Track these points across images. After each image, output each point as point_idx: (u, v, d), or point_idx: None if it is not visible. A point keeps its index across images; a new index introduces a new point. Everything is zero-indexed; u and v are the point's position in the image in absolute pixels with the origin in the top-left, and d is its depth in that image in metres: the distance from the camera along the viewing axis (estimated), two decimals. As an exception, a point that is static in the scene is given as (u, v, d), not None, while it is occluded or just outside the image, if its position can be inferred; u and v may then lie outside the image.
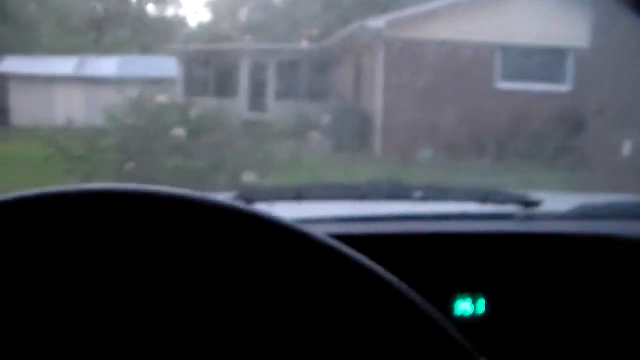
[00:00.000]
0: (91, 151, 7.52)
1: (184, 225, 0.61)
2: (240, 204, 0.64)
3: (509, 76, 12.37)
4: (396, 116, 11.69)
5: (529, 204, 1.25)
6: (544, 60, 12.31)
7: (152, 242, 0.61)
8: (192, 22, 31.88)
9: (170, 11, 24.28)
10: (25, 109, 15.78)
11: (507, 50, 12.34)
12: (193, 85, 14.97)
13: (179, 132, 7.30)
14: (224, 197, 1.19)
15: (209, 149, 7.30)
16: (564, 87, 12.29)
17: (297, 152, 8.56)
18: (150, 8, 24.63)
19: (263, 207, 1.21)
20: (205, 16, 29.83)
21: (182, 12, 31.48)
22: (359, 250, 0.63)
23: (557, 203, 1.36)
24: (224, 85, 15.44)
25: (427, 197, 1.28)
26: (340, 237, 0.64)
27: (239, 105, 14.45)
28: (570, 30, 10.48)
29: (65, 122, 11.21)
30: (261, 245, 0.62)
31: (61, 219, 0.57)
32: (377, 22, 12.47)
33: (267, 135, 8.34)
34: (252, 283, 0.64)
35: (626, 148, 6.85)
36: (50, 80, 17.31)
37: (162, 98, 8.37)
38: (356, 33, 13.20)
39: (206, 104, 9.57)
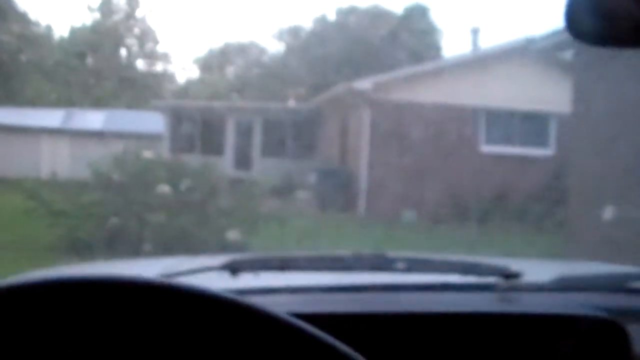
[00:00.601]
0: (75, 206, 7.46)
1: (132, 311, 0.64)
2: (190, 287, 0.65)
3: (493, 140, 12.51)
4: (381, 177, 11.72)
5: (509, 276, 1.25)
6: (528, 125, 12.46)
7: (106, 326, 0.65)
8: (181, 78, 32.24)
9: (159, 67, 24.49)
10: (10, 160, 15.73)
11: (491, 114, 12.48)
12: (179, 141, 14.98)
13: (164, 189, 7.28)
14: (207, 266, 1.25)
15: (194, 206, 7.28)
16: (546, 152, 12.44)
17: (283, 211, 8.52)
18: (140, 63, 24.83)
19: (248, 277, 1.23)
20: (194, 73, 30.20)
21: (171, 68, 31.77)
22: (342, 328, 0.64)
23: (537, 274, 1.37)
24: (211, 142, 15.52)
25: (410, 268, 1.29)
26: (321, 317, 0.66)
27: (225, 162, 14.45)
28: (553, 96, 10.64)
29: (50, 175, 11.18)
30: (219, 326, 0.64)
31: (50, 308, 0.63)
32: (363, 84, 12.63)
33: (252, 193, 8.30)
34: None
35: (607, 213, 6.88)
36: (37, 132, 17.28)
37: (147, 154, 8.36)
38: (342, 94, 13.37)
39: (192, 161, 9.61)
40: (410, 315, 1.12)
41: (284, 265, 1.27)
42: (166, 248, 6.28)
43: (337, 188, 11.89)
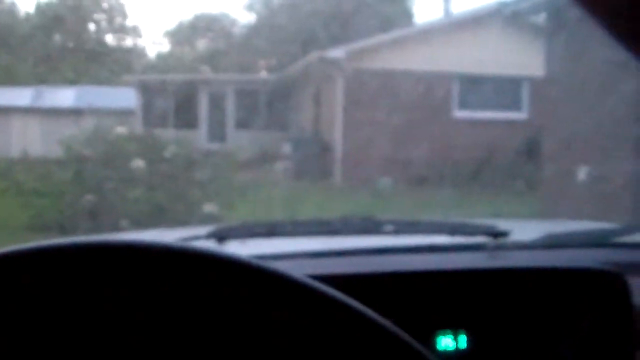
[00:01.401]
0: (48, 184, 7.39)
1: (153, 273, 0.62)
2: (212, 249, 0.64)
3: (466, 105, 12.52)
4: (356, 145, 11.75)
5: (497, 234, 1.27)
6: (501, 89, 12.50)
7: (125, 290, 0.62)
8: (151, 52, 31.87)
9: (129, 41, 24.13)
10: (-20, 140, 15.50)
11: (464, 79, 12.49)
12: (152, 116, 14.86)
13: (139, 163, 7.22)
14: (196, 234, 1.24)
15: (170, 180, 7.25)
16: (520, 115, 12.52)
17: (259, 182, 8.52)
18: (109, 38, 24.48)
19: (236, 245, 1.22)
20: (165, 47, 29.87)
21: (141, 42, 31.37)
22: (337, 289, 0.63)
23: (524, 232, 1.39)
24: (184, 116, 15.37)
25: (398, 231, 1.29)
26: (316, 277, 0.64)
27: (198, 135, 14.41)
28: (525, 60, 10.67)
29: (21, 153, 11.03)
30: (240, 289, 0.62)
31: (56, 273, 0.60)
32: (336, 53, 12.57)
33: (227, 165, 8.28)
34: (230, 324, 0.64)
35: (582, 174, 6.96)
36: (6, 111, 17.04)
37: (120, 129, 8.29)
38: (315, 63, 13.27)
39: (166, 135, 9.53)
40: (401, 275, 1.12)
41: (271, 231, 1.27)
42: (144, 223, 6.22)
43: (313, 157, 11.91)
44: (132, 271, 0.61)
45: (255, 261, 0.62)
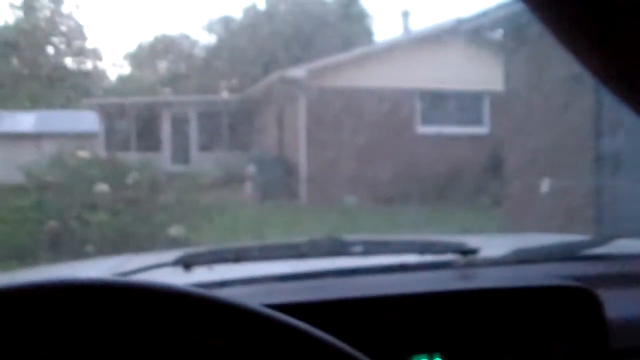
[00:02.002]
0: (10, 210, 7.26)
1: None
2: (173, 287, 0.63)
3: (429, 121, 12.63)
4: (320, 165, 11.76)
5: (467, 252, 1.26)
6: (461, 105, 12.65)
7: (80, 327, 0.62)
8: (112, 75, 31.61)
9: (89, 64, 23.88)
10: (-63, 169, 15.17)
11: (426, 95, 12.59)
12: (115, 139, 14.73)
13: (102, 188, 7.16)
14: (161, 261, 1.23)
15: (134, 204, 7.19)
16: (481, 129, 12.67)
17: (224, 203, 8.47)
18: (69, 61, 24.19)
19: (203, 271, 1.21)
20: (125, 69, 29.65)
21: (101, 65, 31.14)
22: (307, 317, 0.63)
23: (493, 248, 1.38)
24: (147, 139, 15.31)
25: (366, 251, 1.28)
26: (284, 305, 0.65)
27: (162, 158, 14.26)
28: (485, 75, 10.81)
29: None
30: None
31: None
32: (297, 72, 12.61)
33: (192, 187, 8.23)
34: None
35: (544, 187, 7.04)
36: (-36, 137, 16.75)
37: (83, 153, 8.24)
38: (276, 83, 13.30)
39: (129, 158, 9.48)
40: (370, 300, 1.10)
41: (238, 256, 1.24)
42: (109, 248, 6.16)
43: (277, 178, 11.88)
44: (63, 310, 0.61)
45: (191, 290, 0.62)
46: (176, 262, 1.21)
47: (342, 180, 10.94)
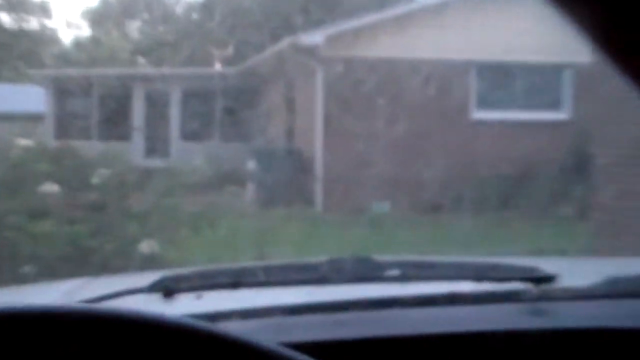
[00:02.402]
0: None
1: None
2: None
3: (488, 104, 12.65)
4: (342, 161, 11.77)
5: (540, 280, 1.29)
6: (533, 82, 12.61)
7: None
8: (66, 38, 31.87)
9: (34, 23, 23.85)
10: None
11: (483, 69, 12.65)
12: (69, 123, 14.96)
13: (51, 188, 7.17)
14: (133, 287, 1.25)
15: (95, 210, 7.21)
16: (559, 115, 12.65)
17: (215, 210, 8.52)
18: (5, 18, 24.03)
19: (189, 300, 1.23)
20: (84, 30, 29.82)
21: (50, 24, 31.25)
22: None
23: (576, 276, 1.43)
24: (112, 124, 15.46)
25: (405, 276, 1.32)
26: (298, 347, 0.68)
27: (133, 149, 14.39)
28: (566, 42, 10.67)
29: None
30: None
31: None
32: (313, 38, 12.69)
33: (172, 188, 8.29)
34: None
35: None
36: None
37: (25, 142, 8.25)
38: (286, 52, 13.36)
39: (88, 148, 9.58)
40: (410, 339, 1.13)
41: (235, 280, 1.27)
42: (55, 268, 6.15)
43: (287, 177, 11.97)
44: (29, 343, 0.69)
45: (193, 323, 0.70)
46: (153, 288, 1.24)
47: (371, 181, 10.93)
